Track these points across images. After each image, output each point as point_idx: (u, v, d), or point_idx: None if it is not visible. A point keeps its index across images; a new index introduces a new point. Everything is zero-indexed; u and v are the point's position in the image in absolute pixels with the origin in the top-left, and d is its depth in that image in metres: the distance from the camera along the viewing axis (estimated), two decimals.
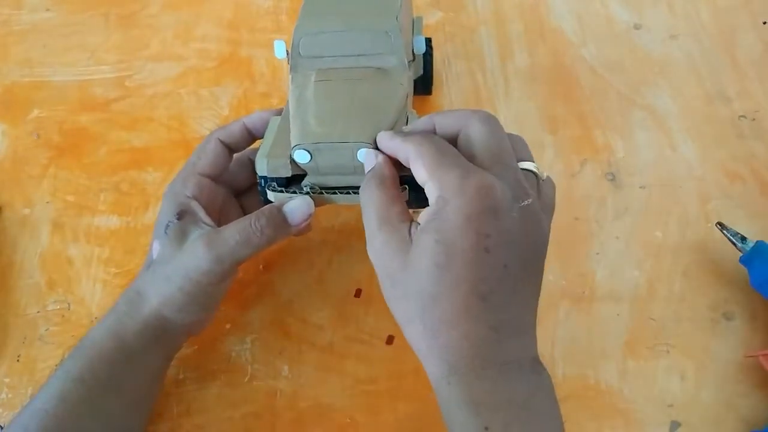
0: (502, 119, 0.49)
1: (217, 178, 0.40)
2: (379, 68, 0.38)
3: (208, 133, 0.49)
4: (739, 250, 0.41)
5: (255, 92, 0.52)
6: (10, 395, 0.42)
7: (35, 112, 0.52)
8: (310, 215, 0.36)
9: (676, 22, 0.53)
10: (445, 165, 0.28)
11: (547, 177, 0.33)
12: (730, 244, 0.42)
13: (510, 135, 0.32)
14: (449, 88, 0.51)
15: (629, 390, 0.40)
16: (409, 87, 0.39)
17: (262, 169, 0.36)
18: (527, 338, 0.29)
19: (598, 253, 0.44)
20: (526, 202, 0.29)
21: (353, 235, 0.43)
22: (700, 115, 0.49)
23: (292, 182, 0.37)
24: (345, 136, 0.34)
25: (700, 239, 0.44)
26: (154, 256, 0.37)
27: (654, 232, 0.45)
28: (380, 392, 0.41)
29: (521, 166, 0.31)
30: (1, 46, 0.55)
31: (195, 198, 0.38)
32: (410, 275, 0.28)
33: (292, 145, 0.34)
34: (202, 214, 0.37)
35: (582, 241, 0.45)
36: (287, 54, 0.41)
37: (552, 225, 0.45)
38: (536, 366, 0.28)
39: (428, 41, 0.47)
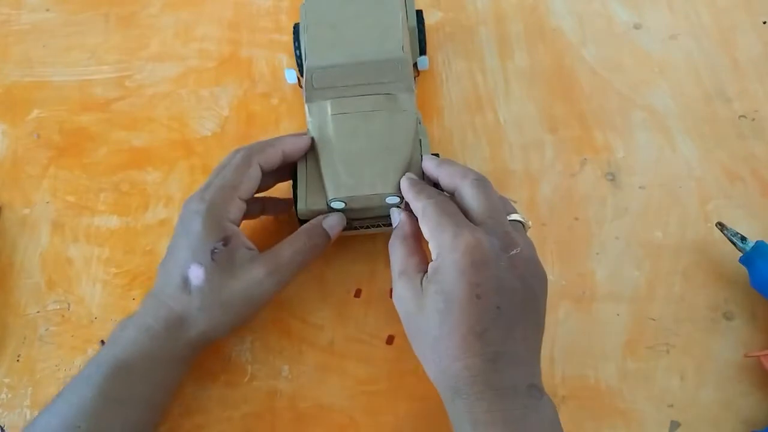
0: (501, 119, 0.49)
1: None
2: (388, 94, 0.41)
3: (208, 133, 0.50)
4: (739, 250, 0.41)
5: (255, 92, 0.52)
6: (9, 395, 0.42)
7: (35, 112, 0.52)
8: (343, 226, 0.41)
9: (676, 22, 0.53)
10: (442, 225, 0.33)
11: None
12: (730, 244, 0.42)
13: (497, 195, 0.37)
14: (449, 88, 0.51)
15: (629, 390, 0.40)
16: (416, 110, 0.42)
17: (303, 213, 0.40)
18: (525, 368, 0.32)
19: (598, 253, 0.44)
20: (514, 251, 0.33)
21: (353, 236, 0.43)
22: (700, 115, 0.49)
23: None
24: (373, 187, 0.39)
25: (700, 239, 0.44)
26: (195, 281, 0.36)
27: (654, 232, 0.45)
28: (380, 392, 0.41)
29: (510, 218, 0.35)
30: (1, 46, 0.55)
31: (234, 222, 0.38)
32: (421, 318, 0.33)
33: (328, 198, 0.39)
34: (243, 237, 0.38)
35: (582, 241, 0.45)
36: (298, 81, 0.46)
37: (552, 225, 0.46)
38: (533, 391, 0.31)
39: (419, 14, 0.48)
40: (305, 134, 0.41)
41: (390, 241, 0.38)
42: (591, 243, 0.45)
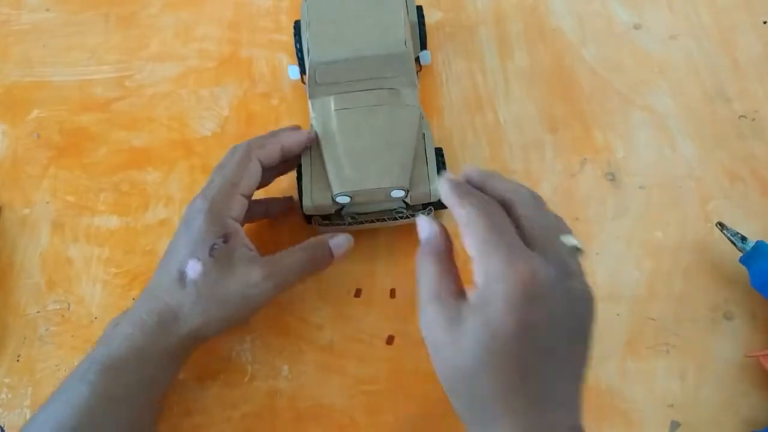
0: (501, 119, 0.49)
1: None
2: (391, 89, 0.41)
3: (208, 133, 0.50)
4: (739, 250, 0.41)
5: (255, 92, 0.52)
6: (9, 395, 0.42)
7: (35, 112, 0.52)
8: (350, 248, 0.40)
9: (676, 22, 0.53)
10: (492, 244, 0.29)
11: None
12: (730, 244, 0.42)
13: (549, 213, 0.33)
14: (449, 88, 0.51)
15: (629, 390, 0.40)
16: (419, 104, 0.42)
17: (308, 209, 0.40)
18: (567, 409, 0.29)
19: (598, 253, 0.44)
20: (570, 284, 0.30)
21: (353, 236, 0.43)
22: (700, 115, 0.49)
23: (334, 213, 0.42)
24: (379, 181, 0.39)
25: (700, 239, 0.44)
26: (192, 275, 0.36)
27: (654, 232, 0.45)
28: (380, 392, 0.41)
29: (566, 242, 0.31)
30: (1, 46, 0.55)
31: (236, 219, 0.38)
32: (457, 351, 0.29)
33: (334, 192, 0.39)
34: (244, 236, 0.38)
35: (582, 240, 0.45)
36: (301, 77, 0.46)
37: None
38: None
39: (419, 9, 0.48)
40: (299, 127, 0.41)
41: (419, 256, 0.33)
42: (591, 243, 0.45)
